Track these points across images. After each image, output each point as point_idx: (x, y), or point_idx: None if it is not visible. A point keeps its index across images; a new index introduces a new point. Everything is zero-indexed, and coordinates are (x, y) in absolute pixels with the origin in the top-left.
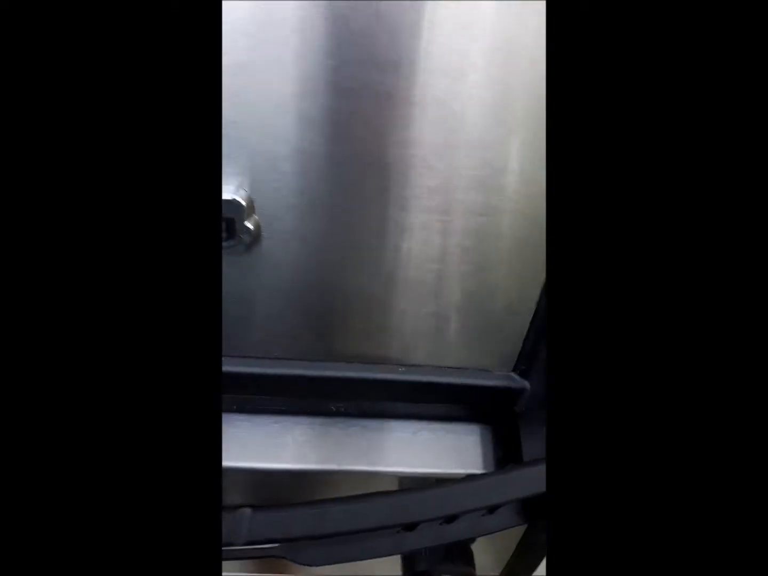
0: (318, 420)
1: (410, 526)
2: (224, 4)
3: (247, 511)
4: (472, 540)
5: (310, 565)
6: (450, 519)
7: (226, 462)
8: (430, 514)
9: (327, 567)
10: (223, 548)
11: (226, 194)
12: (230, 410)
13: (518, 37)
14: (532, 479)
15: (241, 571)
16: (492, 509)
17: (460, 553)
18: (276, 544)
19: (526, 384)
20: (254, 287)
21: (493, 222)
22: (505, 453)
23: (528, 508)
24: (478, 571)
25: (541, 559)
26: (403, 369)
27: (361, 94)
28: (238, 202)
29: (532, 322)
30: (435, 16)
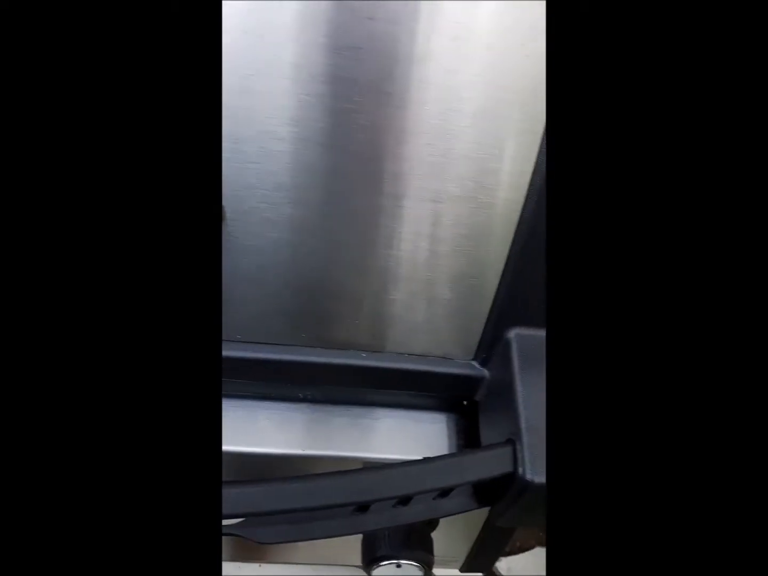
0: (282, 405)
1: (363, 507)
2: None
3: None
4: (432, 528)
5: (265, 543)
6: (404, 501)
7: None
8: (381, 494)
9: (293, 554)
10: None
11: None
12: None
13: (479, 26)
14: (484, 463)
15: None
16: (445, 492)
17: (420, 540)
18: (229, 522)
19: (486, 372)
20: None
21: (450, 210)
22: (465, 441)
23: (483, 492)
24: (441, 559)
25: (504, 546)
26: (366, 355)
27: (323, 80)
28: None
29: (491, 311)
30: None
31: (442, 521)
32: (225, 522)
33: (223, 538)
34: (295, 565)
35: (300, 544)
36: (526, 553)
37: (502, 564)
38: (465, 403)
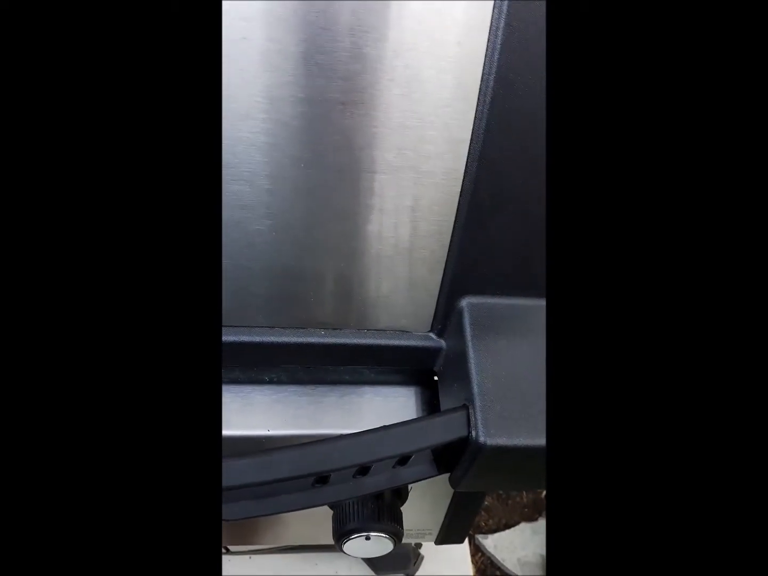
0: (247, 388)
1: (323, 479)
2: None
3: None
4: (402, 501)
5: (227, 520)
6: (363, 471)
7: None
8: (338, 464)
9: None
10: None
11: None
12: None
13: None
14: (439, 428)
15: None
16: (404, 460)
17: (389, 513)
18: None
19: (443, 343)
20: None
21: (392, 181)
22: (427, 413)
23: (442, 458)
24: (415, 533)
25: (475, 516)
26: (324, 332)
27: (256, 51)
28: None
29: (442, 282)
30: None
31: (412, 494)
32: None
33: None
34: (284, 555)
35: (282, 526)
36: (511, 530)
37: (489, 541)
38: (435, 378)
